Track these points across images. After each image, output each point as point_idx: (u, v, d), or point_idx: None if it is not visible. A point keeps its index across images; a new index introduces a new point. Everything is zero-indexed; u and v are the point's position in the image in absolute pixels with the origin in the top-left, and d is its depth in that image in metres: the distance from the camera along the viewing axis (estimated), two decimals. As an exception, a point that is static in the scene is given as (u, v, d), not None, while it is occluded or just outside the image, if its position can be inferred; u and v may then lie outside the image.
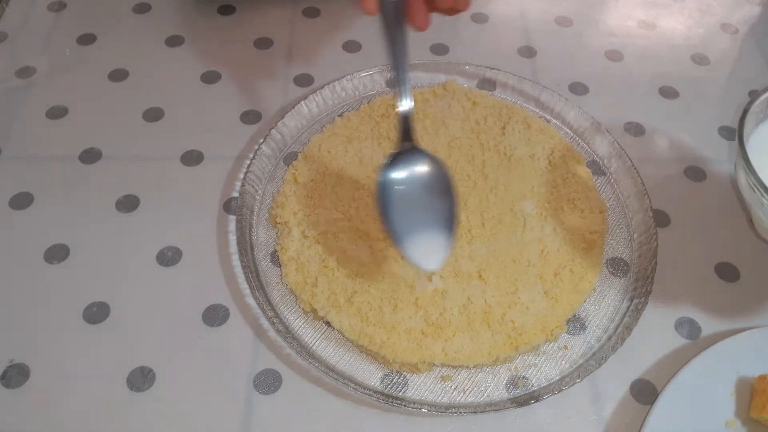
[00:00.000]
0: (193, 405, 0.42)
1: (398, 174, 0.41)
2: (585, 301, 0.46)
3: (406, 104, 0.42)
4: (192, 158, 0.54)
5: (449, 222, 0.41)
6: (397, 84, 0.41)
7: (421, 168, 0.42)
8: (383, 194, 0.41)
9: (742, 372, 0.42)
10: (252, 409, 0.42)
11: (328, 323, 0.45)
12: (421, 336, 0.43)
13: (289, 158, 0.54)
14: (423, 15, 0.43)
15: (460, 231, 0.47)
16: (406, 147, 0.42)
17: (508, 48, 0.64)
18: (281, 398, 0.42)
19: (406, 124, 0.42)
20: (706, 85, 0.62)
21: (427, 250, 0.40)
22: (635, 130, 0.58)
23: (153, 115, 0.57)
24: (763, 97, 0.46)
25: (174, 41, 0.63)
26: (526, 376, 0.43)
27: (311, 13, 0.66)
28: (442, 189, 0.41)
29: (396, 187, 0.41)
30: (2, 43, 0.63)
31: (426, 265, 0.40)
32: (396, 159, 0.42)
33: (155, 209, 0.51)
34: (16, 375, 0.42)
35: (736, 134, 0.43)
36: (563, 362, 0.44)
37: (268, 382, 0.43)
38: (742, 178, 0.43)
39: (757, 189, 0.41)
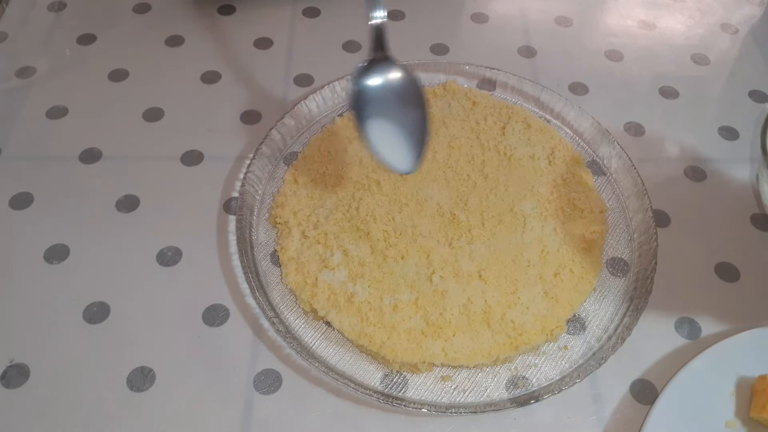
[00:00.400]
0: (193, 405, 0.42)
1: (373, 81, 0.43)
2: (585, 301, 0.46)
3: (379, 15, 0.43)
4: (192, 158, 0.54)
5: (421, 128, 0.43)
6: None
7: (394, 76, 0.43)
8: (357, 101, 0.43)
9: (742, 372, 0.42)
10: (252, 409, 0.42)
11: (328, 323, 0.45)
12: (421, 336, 0.43)
13: (289, 158, 0.54)
14: None
15: (460, 231, 0.47)
16: (380, 56, 0.44)
17: (508, 48, 0.64)
18: (281, 398, 0.42)
19: (379, 34, 0.43)
20: (706, 85, 0.62)
21: (401, 154, 0.43)
22: (635, 130, 0.58)
23: (153, 115, 0.57)
24: None
25: (174, 41, 0.63)
26: (526, 376, 0.43)
27: (311, 13, 0.66)
28: (414, 99, 0.43)
29: (370, 94, 0.43)
30: (2, 43, 0.63)
31: (399, 166, 0.43)
32: (370, 67, 0.43)
33: (155, 209, 0.51)
34: (16, 375, 0.42)
35: (759, 143, 0.44)
36: (563, 362, 0.44)
37: (268, 382, 0.43)
38: (766, 189, 0.43)
39: None
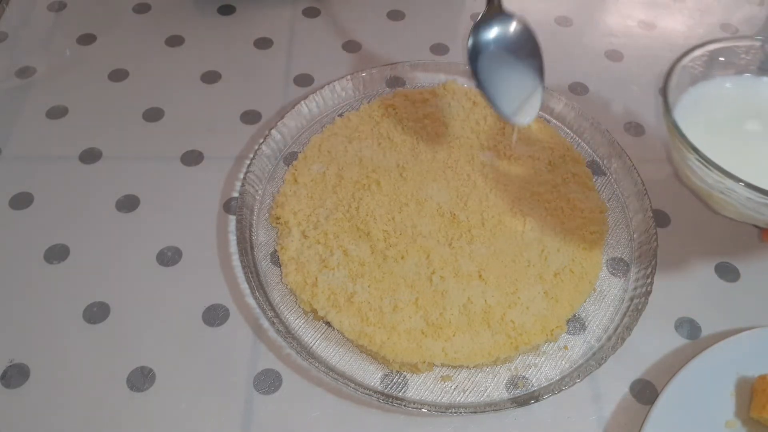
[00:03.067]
0: (193, 405, 0.42)
1: (488, 36, 0.45)
2: (585, 301, 0.46)
3: None
4: (192, 158, 0.54)
5: (537, 79, 0.45)
6: None
7: (509, 29, 0.45)
8: (474, 58, 0.45)
9: (742, 372, 0.42)
10: (252, 409, 0.42)
11: (328, 323, 0.45)
12: (421, 336, 0.43)
13: (289, 158, 0.54)
14: None
15: (460, 231, 0.47)
16: (494, 10, 0.46)
17: (508, 48, 0.64)
18: (281, 398, 0.42)
19: None
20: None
21: (520, 106, 0.45)
22: (635, 130, 0.58)
23: (153, 115, 0.57)
24: (695, 54, 0.46)
25: (174, 41, 0.63)
26: (526, 376, 0.43)
27: (311, 13, 0.66)
28: (529, 49, 0.45)
29: (487, 50, 0.45)
30: (2, 43, 0.63)
31: (520, 120, 0.45)
32: (485, 22, 0.45)
33: (155, 209, 0.51)
34: (16, 375, 0.42)
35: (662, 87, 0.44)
36: (563, 362, 0.44)
37: (268, 382, 0.43)
38: (664, 125, 0.44)
39: (673, 131, 0.42)
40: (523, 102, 0.45)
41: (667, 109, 0.42)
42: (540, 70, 0.45)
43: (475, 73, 0.45)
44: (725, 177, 0.38)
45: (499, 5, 0.46)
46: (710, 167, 0.38)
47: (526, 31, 0.45)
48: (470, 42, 0.45)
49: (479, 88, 0.45)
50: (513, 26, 0.45)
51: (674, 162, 0.46)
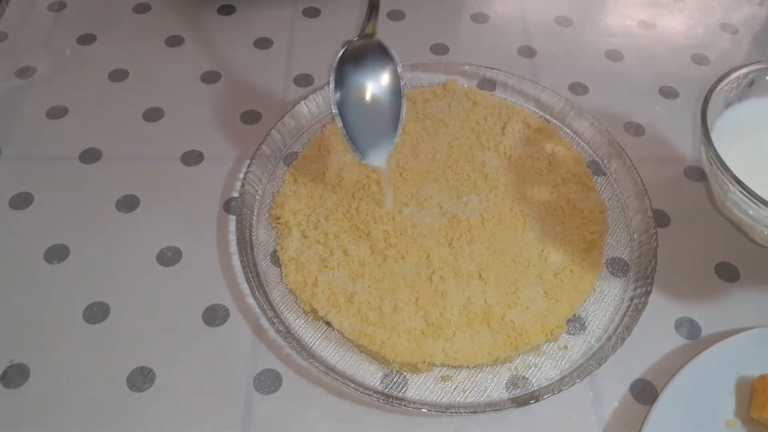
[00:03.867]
0: (193, 405, 0.42)
1: (353, 69, 0.43)
2: (585, 301, 0.46)
3: None
4: (192, 158, 0.54)
5: (394, 120, 0.43)
6: None
7: (374, 64, 0.43)
8: (338, 87, 0.42)
9: (742, 372, 0.42)
10: (252, 409, 0.42)
11: (328, 323, 0.45)
12: (421, 336, 0.43)
13: (289, 158, 0.54)
14: None
15: (460, 231, 0.47)
16: (367, 39, 0.44)
17: (508, 48, 0.64)
18: (281, 398, 0.42)
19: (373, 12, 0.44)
20: (706, 85, 0.62)
21: (374, 147, 0.44)
22: (635, 130, 0.58)
23: (153, 115, 0.57)
24: (732, 77, 0.44)
25: (174, 41, 0.63)
26: (526, 376, 0.43)
27: (311, 13, 0.66)
28: (392, 87, 0.43)
29: (350, 84, 0.43)
30: (2, 43, 0.63)
31: (373, 161, 0.44)
32: (355, 51, 0.43)
33: (155, 209, 0.51)
34: (16, 375, 0.42)
35: (700, 112, 0.43)
36: (563, 362, 0.44)
37: (268, 382, 0.43)
38: (703, 154, 0.43)
39: (714, 163, 0.40)
40: (377, 141, 0.43)
41: (708, 139, 0.40)
42: (398, 111, 0.43)
43: (339, 107, 0.42)
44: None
45: (372, 34, 0.43)
46: (756, 201, 0.36)
47: (392, 68, 0.43)
48: (335, 72, 0.42)
49: (336, 119, 0.42)
50: (380, 61, 0.43)
51: (713, 191, 0.45)
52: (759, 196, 0.36)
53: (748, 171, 0.38)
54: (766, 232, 0.39)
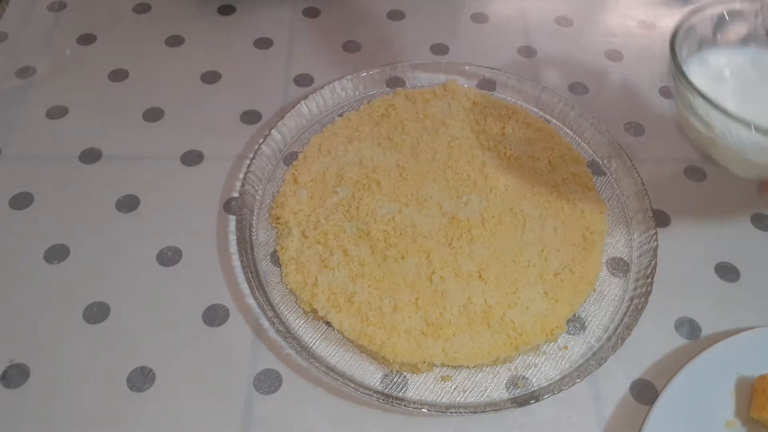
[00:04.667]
0: (193, 405, 0.42)
1: None
2: (585, 301, 0.46)
3: None
4: (192, 158, 0.54)
5: None
6: None
7: None
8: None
9: (742, 372, 0.42)
10: (252, 409, 0.42)
11: (328, 323, 0.45)
12: (421, 336, 0.43)
13: (289, 158, 0.54)
14: None
15: (460, 231, 0.47)
16: None
17: (508, 48, 0.64)
18: (281, 398, 0.42)
19: None
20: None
21: None
22: (635, 130, 0.58)
23: (153, 115, 0.57)
24: (706, 13, 0.46)
25: (174, 41, 0.63)
26: (526, 376, 0.43)
27: (311, 13, 0.66)
28: None
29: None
30: (2, 43, 0.63)
31: None
32: None
33: (155, 209, 0.51)
34: (16, 375, 0.42)
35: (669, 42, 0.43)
36: (563, 362, 0.44)
37: (268, 382, 0.43)
38: (671, 77, 0.43)
39: (678, 78, 0.41)
40: None
41: (674, 55, 0.42)
42: None
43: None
44: (730, 119, 0.38)
45: None
46: (716, 108, 0.38)
47: None
48: None
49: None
50: None
51: (678, 112, 0.45)
52: (719, 104, 0.38)
53: (714, 90, 0.40)
54: (727, 141, 0.40)
